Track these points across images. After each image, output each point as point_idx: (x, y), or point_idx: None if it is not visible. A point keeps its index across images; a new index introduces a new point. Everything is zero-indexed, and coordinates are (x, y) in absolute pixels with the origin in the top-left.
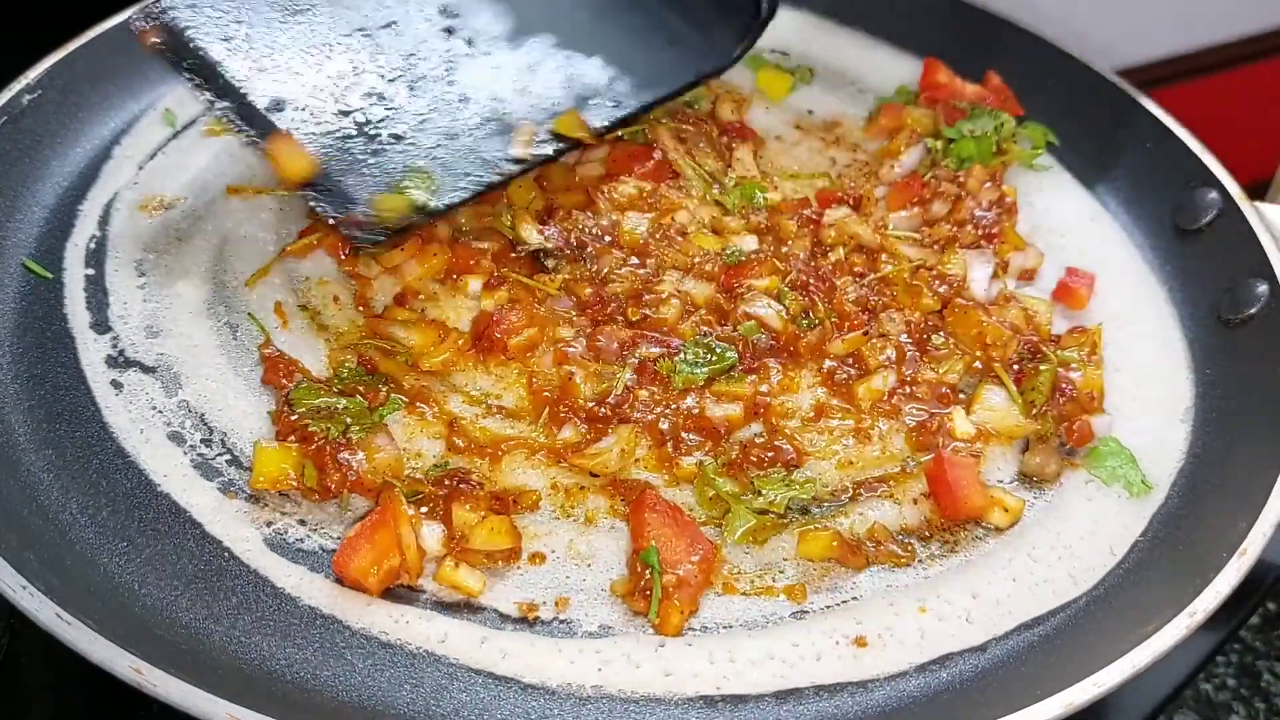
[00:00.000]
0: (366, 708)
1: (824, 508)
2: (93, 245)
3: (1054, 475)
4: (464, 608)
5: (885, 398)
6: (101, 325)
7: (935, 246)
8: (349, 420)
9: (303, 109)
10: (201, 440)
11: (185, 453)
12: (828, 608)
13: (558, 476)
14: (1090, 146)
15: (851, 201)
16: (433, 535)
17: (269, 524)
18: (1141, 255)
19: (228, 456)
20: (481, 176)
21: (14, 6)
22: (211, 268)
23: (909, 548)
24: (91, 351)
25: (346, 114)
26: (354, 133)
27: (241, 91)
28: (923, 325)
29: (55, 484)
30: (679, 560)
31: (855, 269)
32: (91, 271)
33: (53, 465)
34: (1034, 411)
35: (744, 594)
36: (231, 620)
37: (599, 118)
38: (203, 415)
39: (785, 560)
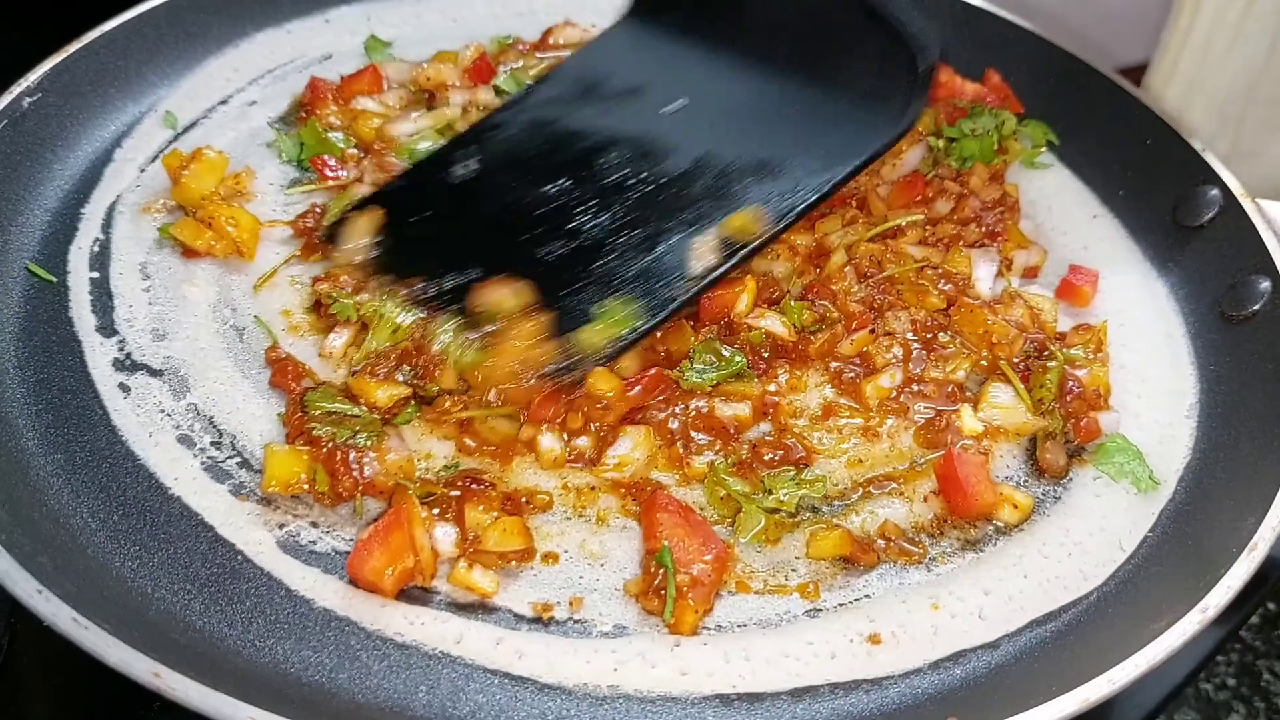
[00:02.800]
0: (383, 709)
1: (834, 506)
2: (96, 248)
3: (1062, 470)
4: (479, 608)
5: (893, 396)
6: (108, 328)
7: (940, 245)
8: (358, 428)
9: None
10: (211, 443)
11: (195, 455)
12: (841, 606)
13: (569, 477)
14: (1091, 145)
15: (855, 203)
16: (446, 537)
17: (281, 526)
18: (1143, 252)
19: (238, 459)
20: (668, 298)
21: (14, 8)
22: (217, 271)
23: (920, 545)
24: (98, 355)
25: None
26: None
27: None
28: (929, 324)
29: (66, 488)
30: (692, 560)
31: (861, 268)
32: (96, 275)
33: (62, 469)
34: (1043, 409)
35: (757, 593)
36: (246, 623)
37: (774, 212)
38: (212, 418)
39: (797, 559)
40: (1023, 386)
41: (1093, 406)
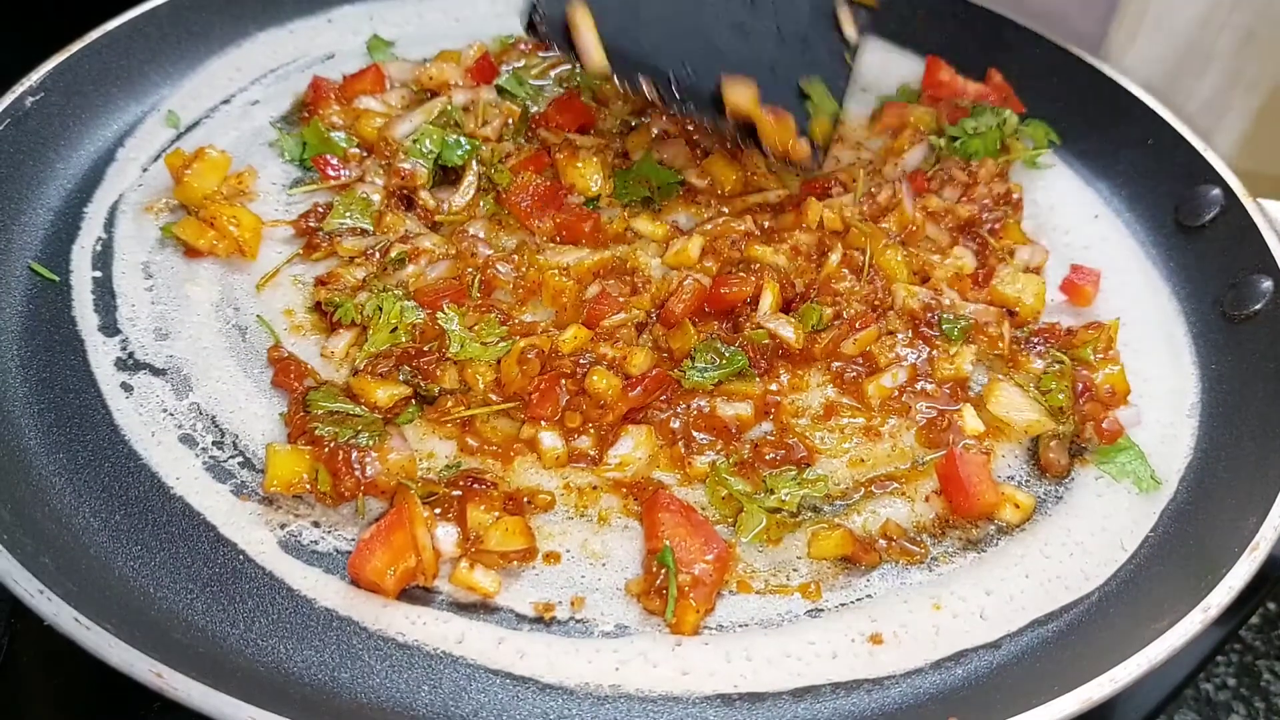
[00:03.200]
0: (385, 709)
1: (836, 506)
2: (99, 248)
3: (1063, 470)
4: (480, 608)
5: (895, 395)
6: (110, 328)
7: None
8: (359, 428)
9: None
10: (213, 442)
11: (197, 455)
12: (842, 605)
13: (571, 476)
14: (1092, 144)
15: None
16: (447, 537)
17: (283, 526)
18: (1144, 252)
19: (240, 459)
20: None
21: (16, 7)
22: (219, 270)
23: (922, 545)
24: (101, 354)
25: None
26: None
27: None
28: (925, 315)
29: (68, 488)
30: (694, 559)
31: (854, 261)
32: (99, 274)
33: (65, 469)
34: (1059, 413)
35: (759, 592)
36: (248, 623)
37: None
38: (214, 417)
39: (799, 558)
40: (1027, 378)
41: (1110, 405)
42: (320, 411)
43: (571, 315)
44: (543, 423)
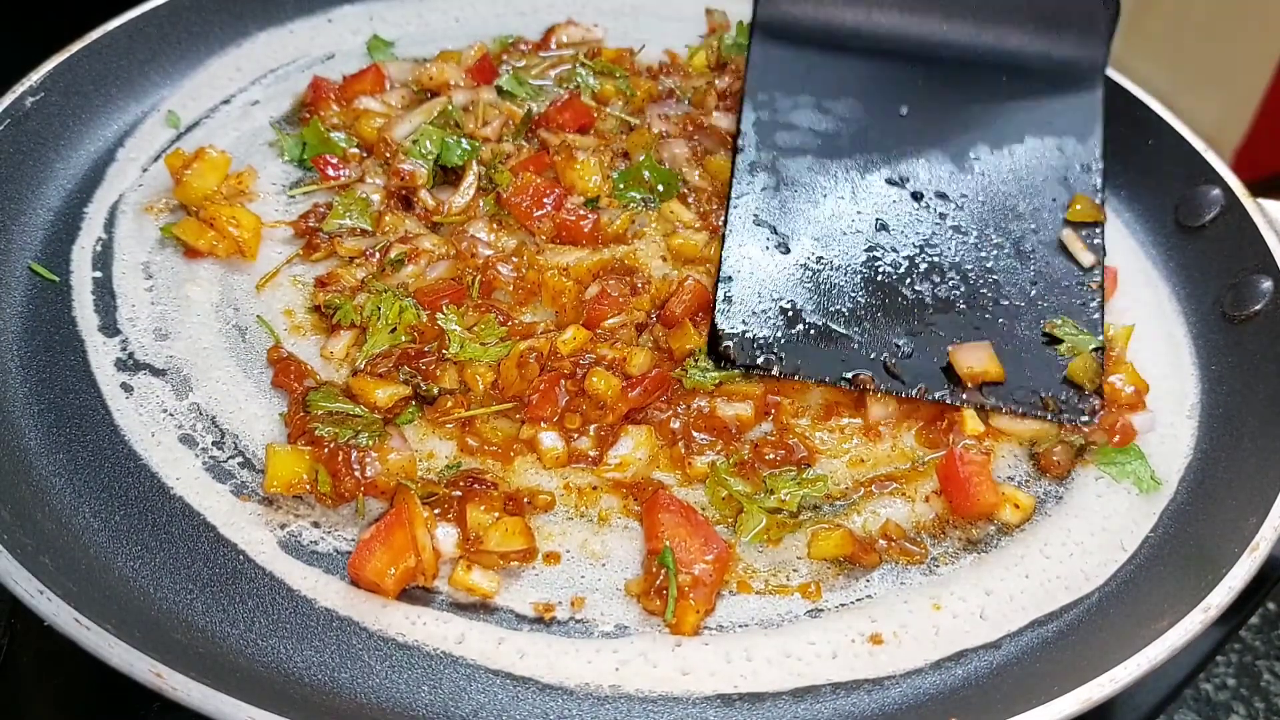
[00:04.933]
0: (385, 709)
1: (836, 506)
2: (99, 248)
3: (1063, 470)
4: (480, 608)
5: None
6: (110, 328)
7: None
8: (359, 428)
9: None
10: (213, 443)
11: (197, 455)
12: (842, 605)
13: (571, 477)
14: None
15: None
16: (447, 537)
17: (283, 526)
18: (1144, 252)
19: (240, 459)
20: (1090, 299)
21: (16, 7)
22: (219, 270)
23: (922, 545)
24: (101, 354)
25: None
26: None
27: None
28: None
29: (68, 488)
30: (694, 560)
31: None
32: (99, 274)
33: (64, 469)
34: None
35: (759, 593)
36: (248, 623)
37: (1088, 188)
38: (214, 418)
39: (799, 559)
40: None
41: (1131, 407)
42: (320, 412)
43: (572, 316)
44: (542, 423)
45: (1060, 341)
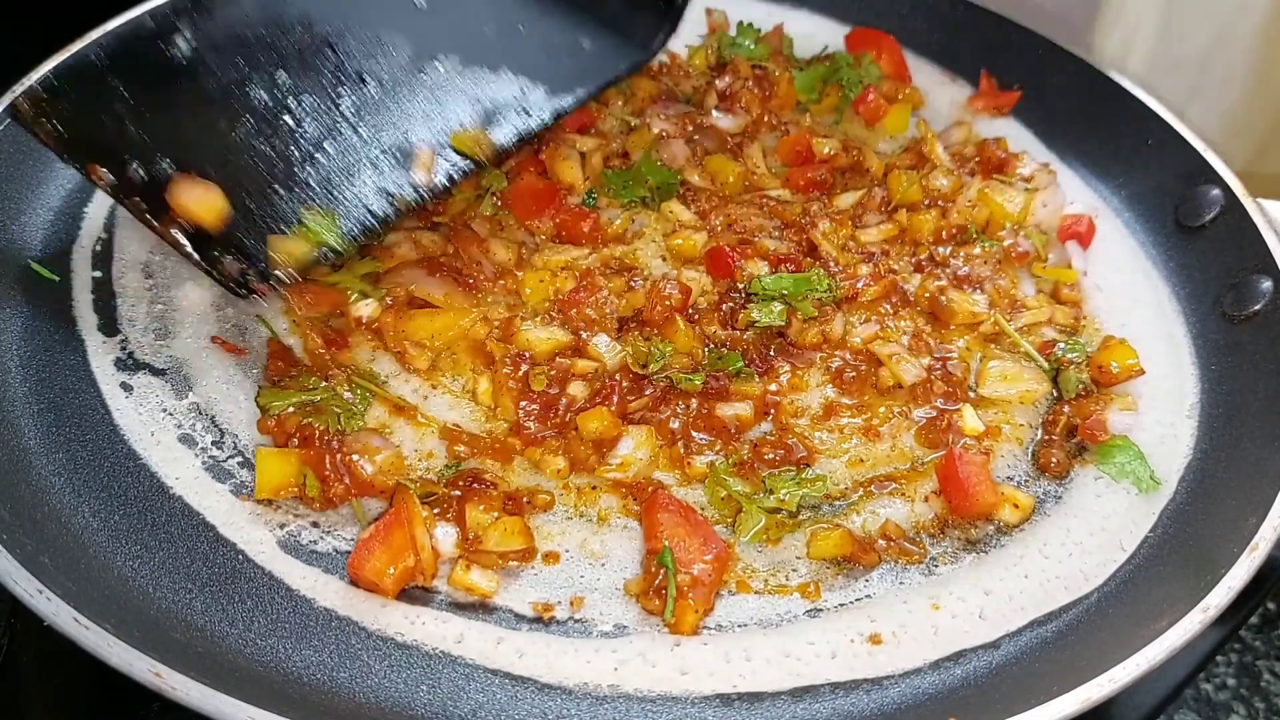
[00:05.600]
0: (384, 709)
1: (835, 506)
2: (99, 248)
3: (1063, 470)
4: (480, 608)
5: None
6: (110, 328)
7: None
8: (336, 409)
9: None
10: (213, 442)
11: (197, 455)
12: (842, 605)
13: (570, 476)
14: (1092, 144)
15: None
16: (446, 537)
17: (282, 526)
18: (1144, 252)
19: (239, 459)
20: (382, 208)
21: (16, 7)
22: None
23: (921, 545)
24: (101, 354)
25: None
26: (256, 176)
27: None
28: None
29: (67, 488)
30: (693, 560)
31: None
32: (99, 274)
33: (64, 469)
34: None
35: (758, 593)
36: (247, 623)
37: (505, 133)
38: (213, 417)
39: (798, 559)
40: (1016, 333)
41: (1126, 375)
42: (275, 409)
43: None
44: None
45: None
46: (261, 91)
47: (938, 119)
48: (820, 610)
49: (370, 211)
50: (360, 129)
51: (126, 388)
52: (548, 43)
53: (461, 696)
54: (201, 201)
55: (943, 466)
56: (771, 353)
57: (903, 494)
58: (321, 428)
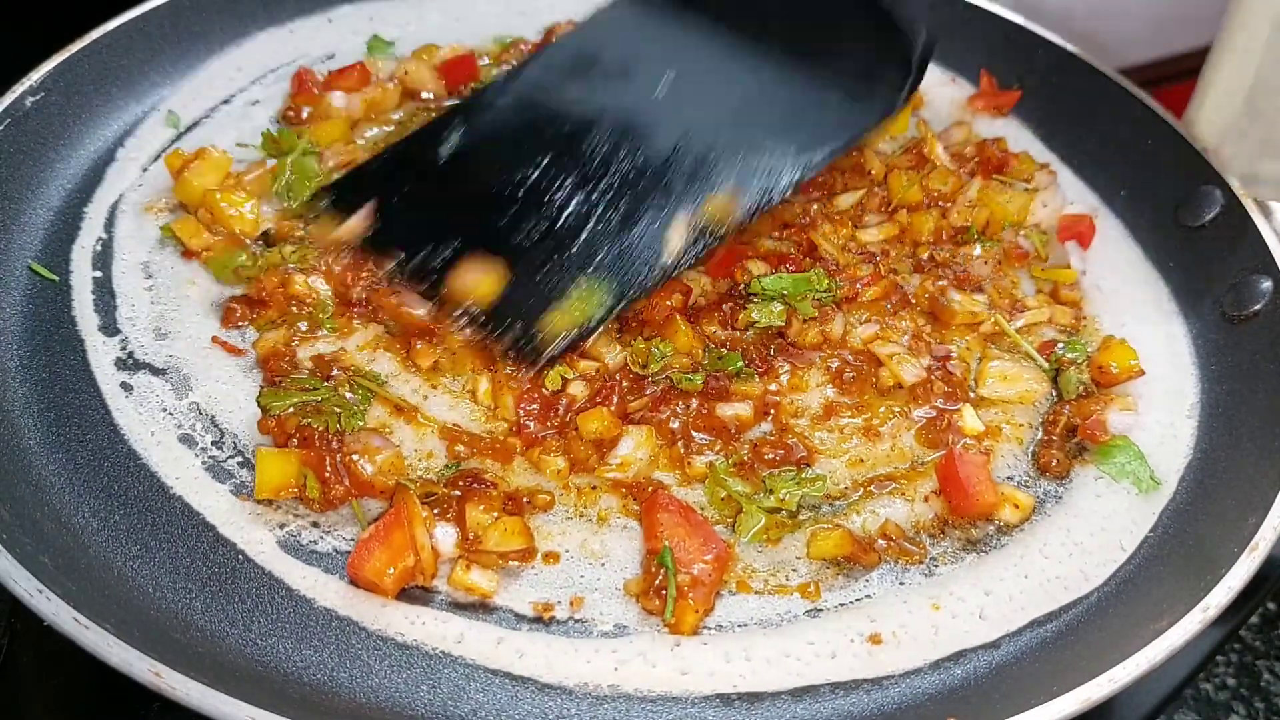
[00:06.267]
0: (384, 709)
1: (835, 506)
2: (99, 248)
3: (1063, 470)
4: (480, 608)
5: (924, 382)
6: (110, 328)
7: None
8: (336, 409)
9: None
10: (213, 442)
11: (197, 455)
12: (842, 605)
13: (570, 476)
14: (1092, 145)
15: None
16: (446, 537)
17: (282, 526)
18: (1144, 252)
19: (239, 459)
20: (639, 282)
21: (16, 7)
22: None
23: (921, 545)
24: (101, 354)
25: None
26: (529, 258)
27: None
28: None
29: (68, 488)
30: (693, 560)
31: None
32: (99, 274)
33: (64, 469)
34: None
35: (758, 593)
36: (247, 623)
37: (751, 196)
38: (213, 417)
39: (798, 559)
40: (1016, 333)
41: (1125, 375)
42: (276, 410)
43: None
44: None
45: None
46: (524, 177)
47: (938, 119)
48: (820, 610)
49: (630, 283)
50: (620, 206)
51: (126, 388)
52: (792, 104)
53: (462, 696)
54: (480, 282)
55: (943, 466)
56: (771, 353)
57: (903, 494)
58: (321, 428)
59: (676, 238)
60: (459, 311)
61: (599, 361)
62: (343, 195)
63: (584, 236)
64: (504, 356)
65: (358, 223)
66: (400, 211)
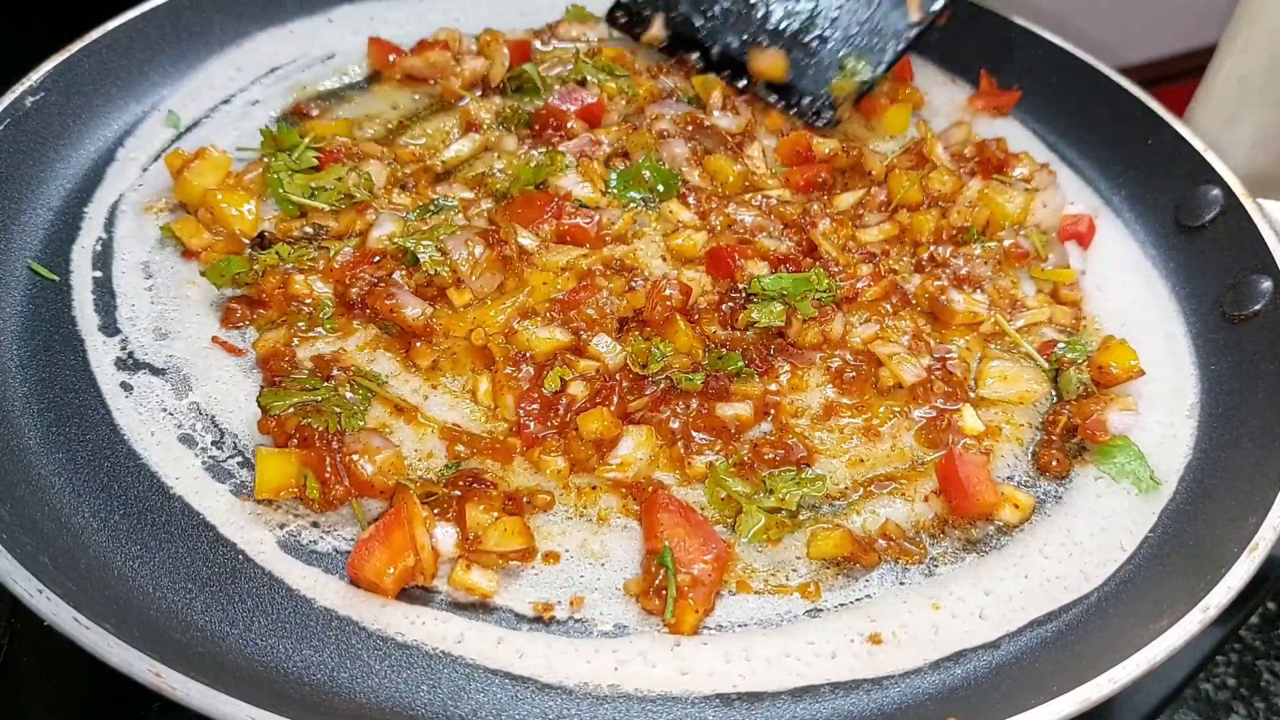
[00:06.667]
0: (384, 709)
1: (835, 506)
2: (99, 248)
3: (1063, 470)
4: (480, 608)
5: (921, 380)
6: (110, 327)
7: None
8: (336, 409)
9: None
10: (213, 442)
11: (197, 455)
12: (842, 605)
13: (570, 476)
14: (1091, 145)
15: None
16: (446, 537)
17: (282, 526)
18: (1144, 252)
19: (239, 459)
20: (894, 45)
21: (16, 7)
22: None
23: (921, 545)
24: (101, 354)
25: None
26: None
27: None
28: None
29: (68, 487)
30: (693, 560)
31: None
32: (99, 274)
33: (64, 469)
34: (1075, 394)
35: (758, 593)
36: (247, 623)
37: None
38: (213, 417)
39: (798, 559)
40: (1016, 333)
41: (1124, 375)
42: (277, 409)
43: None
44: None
45: (843, 68)
46: None
47: (938, 119)
48: (820, 610)
49: (885, 48)
50: None
51: (126, 388)
52: None
53: (462, 696)
54: (774, 64)
55: (943, 466)
56: (771, 353)
57: (903, 494)
58: (321, 428)
59: (914, 5)
60: (761, 87)
61: (599, 361)
62: (632, 10)
63: (840, 19)
64: (799, 119)
65: (658, 30)
66: (683, 20)
